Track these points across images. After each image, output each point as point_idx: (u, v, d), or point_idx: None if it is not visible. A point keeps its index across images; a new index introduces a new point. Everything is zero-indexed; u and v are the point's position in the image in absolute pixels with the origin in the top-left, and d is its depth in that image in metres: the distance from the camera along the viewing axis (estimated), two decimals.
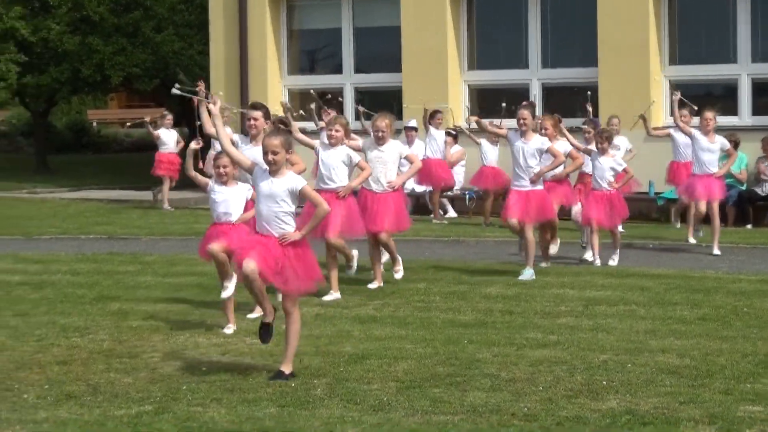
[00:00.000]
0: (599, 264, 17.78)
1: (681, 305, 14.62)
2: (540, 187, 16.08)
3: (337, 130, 14.76)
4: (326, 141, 15.00)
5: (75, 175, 35.72)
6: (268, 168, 10.61)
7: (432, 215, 24.00)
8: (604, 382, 10.84)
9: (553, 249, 17.70)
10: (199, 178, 13.16)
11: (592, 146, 18.07)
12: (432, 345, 12.50)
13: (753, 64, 24.29)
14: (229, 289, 12.85)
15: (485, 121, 17.90)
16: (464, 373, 11.22)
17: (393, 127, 15.71)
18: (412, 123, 23.90)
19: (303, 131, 15.76)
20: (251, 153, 12.76)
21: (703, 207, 18.82)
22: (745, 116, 23.56)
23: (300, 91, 27.52)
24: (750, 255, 18.19)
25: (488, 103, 25.55)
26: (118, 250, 20.03)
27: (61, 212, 26.53)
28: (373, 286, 15.79)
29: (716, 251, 18.65)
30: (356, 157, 14.90)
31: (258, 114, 13.48)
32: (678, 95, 19.10)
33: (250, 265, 10.33)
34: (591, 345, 12.43)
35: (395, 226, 15.69)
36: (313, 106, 19.14)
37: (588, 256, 18.13)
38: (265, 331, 11.13)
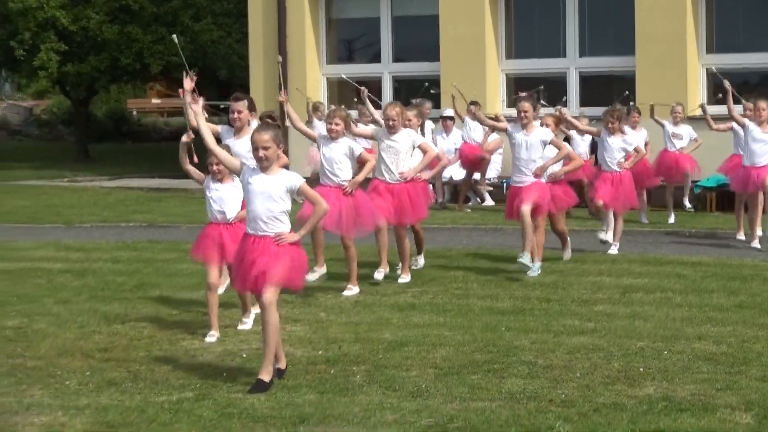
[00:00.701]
0: (615, 251, 17.52)
1: (717, 293, 14.59)
2: (543, 180, 15.59)
3: (336, 123, 14.37)
4: (328, 134, 14.56)
5: (115, 164, 35.84)
6: (258, 164, 10.20)
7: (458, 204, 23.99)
8: (641, 369, 10.84)
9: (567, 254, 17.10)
10: (195, 172, 12.68)
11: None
12: (470, 332, 12.51)
13: None
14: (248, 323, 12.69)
15: (481, 114, 17.38)
16: (502, 360, 11.24)
17: (404, 115, 15.25)
18: (448, 112, 23.87)
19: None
20: (239, 145, 12.73)
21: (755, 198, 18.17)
22: None
23: (336, 78, 27.56)
24: None
25: (524, 90, 25.46)
26: (158, 238, 20.08)
27: (102, 200, 26.63)
28: (403, 280, 15.49)
29: (755, 244, 17.99)
30: (358, 149, 14.54)
31: (241, 105, 13.10)
32: (729, 86, 18.54)
33: (268, 296, 10.05)
34: (628, 332, 12.42)
35: (414, 218, 15.39)
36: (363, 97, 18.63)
37: (607, 236, 17.73)
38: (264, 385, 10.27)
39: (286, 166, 12.93)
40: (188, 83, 12.05)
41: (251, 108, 13.04)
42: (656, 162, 20.21)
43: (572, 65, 25.82)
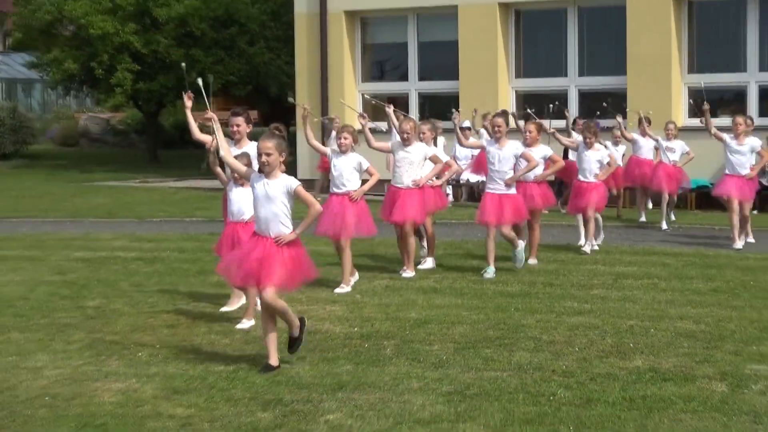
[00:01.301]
0: (588, 250, 16.78)
1: (696, 279, 14.57)
2: (513, 191, 14.80)
3: (345, 138, 14.10)
4: (338, 148, 14.23)
5: (180, 167, 35.84)
6: (261, 168, 9.93)
7: None
8: (631, 345, 10.84)
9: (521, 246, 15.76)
10: (221, 175, 12.38)
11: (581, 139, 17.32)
12: (484, 312, 12.51)
13: (760, 73, 24.12)
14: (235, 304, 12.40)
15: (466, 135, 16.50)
16: (511, 336, 11.24)
17: (418, 129, 15.03)
18: (466, 123, 23.79)
19: (373, 131, 15.60)
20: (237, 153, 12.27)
21: (735, 205, 17.42)
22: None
23: (372, 94, 27.53)
24: (756, 237, 18.02)
25: (532, 106, 25.41)
26: (218, 231, 20.02)
27: (169, 198, 26.66)
28: (424, 266, 15.42)
29: (738, 245, 17.24)
30: (365, 164, 14.19)
31: (240, 120, 12.69)
32: (707, 106, 18.18)
33: (269, 294, 9.76)
34: (619, 313, 12.41)
35: (420, 217, 15.01)
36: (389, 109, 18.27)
37: (581, 242, 17.13)
38: (294, 342, 10.21)
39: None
40: (188, 101, 11.84)
41: (248, 121, 12.79)
42: (654, 172, 19.86)
43: (572, 83, 25.78)
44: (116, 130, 46.95)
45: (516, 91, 26.26)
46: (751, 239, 17.81)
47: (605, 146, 18.24)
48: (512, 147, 14.70)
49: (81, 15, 34.52)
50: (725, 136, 17.60)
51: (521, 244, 15.04)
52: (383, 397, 9.10)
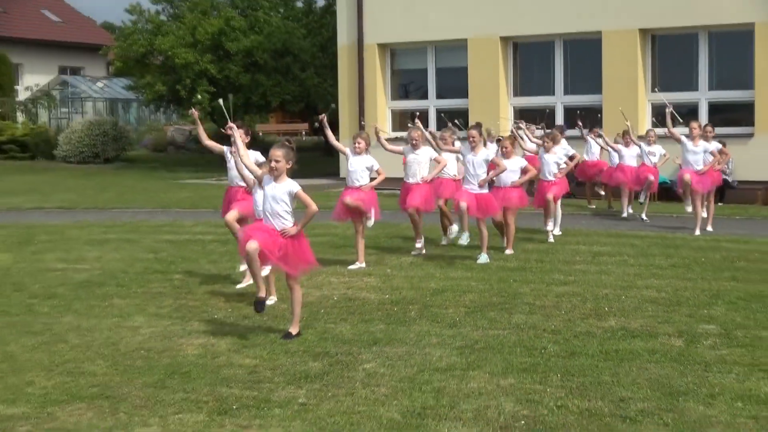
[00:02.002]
0: (552, 239, 16.27)
1: (658, 256, 14.52)
2: (486, 190, 14.10)
3: (359, 143, 13.93)
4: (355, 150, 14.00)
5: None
6: (270, 173, 9.59)
7: None
8: (606, 309, 10.82)
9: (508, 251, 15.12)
10: (250, 177, 11.09)
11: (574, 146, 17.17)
12: (488, 283, 12.50)
13: (709, 92, 24.02)
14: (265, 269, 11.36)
15: (443, 141, 15.14)
16: (510, 302, 11.23)
17: (424, 136, 14.86)
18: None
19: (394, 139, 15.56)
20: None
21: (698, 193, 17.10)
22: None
23: (399, 111, 27.62)
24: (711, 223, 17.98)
25: (527, 118, 25.39)
26: None
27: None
28: (418, 245, 15.01)
29: (697, 232, 16.84)
30: (376, 165, 13.99)
31: (242, 132, 11.57)
32: (670, 109, 17.94)
33: (252, 245, 9.30)
34: (597, 283, 12.38)
35: (425, 205, 14.82)
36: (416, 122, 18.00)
37: (549, 227, 16.41)
38: (259, 304, 9.83)
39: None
40: (235, 133, 11.40)
41: (247, 133, 12.52)
42: (636, 171, 19.56)
43: (559, 100, 25.70)
44: (197, 139, 47.01)
45: (513, 107, 26.22)
46: (709, 228, 17.41)
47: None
48: (484, 154, 14.12)
49: (168, 48, 34.67)
50: (682, 137, 17.29)
51: (466, 234, 14.11)
52: (409, 350, 9.12)
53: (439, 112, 26.83)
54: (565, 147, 18.30)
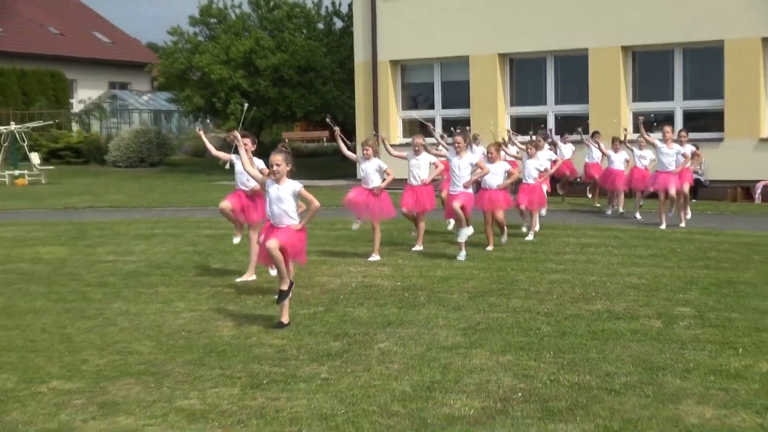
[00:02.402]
0: (531, 236, 15.91)
1: (639, 247, 14.49)
2: (470, 190, 13.76)
3: (366, 149, 13.79)
4: (366, 155, 13.81)
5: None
6: (272, 176, 9.40)
7: None
8: (593, 293, 10.80)
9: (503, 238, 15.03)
10: (258, 176, 10.64)
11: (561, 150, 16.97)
12: (489, 271, 12.49)
13: (683, 101, 23.98)
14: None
15: (344, 146, 14.38)
16: (508, 288, 11.22)
17: (425, 142, 14.69)
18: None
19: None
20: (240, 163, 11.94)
21: (666, 194, 16.87)
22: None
23: (408, 120, 27.61)
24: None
25: (521, 125, 25.42)
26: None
27: None
28: (416, 248, 14.63)
29: (682, 224, 16.80)
30: (384, 166, 13.84)
31: (248, 141, 11.73)
32: (642, 119, 17.89)
33: (273, 242, 9.17)
34: (585, 271, 12.36)
35: (418, 207, 14.46)
36: (430, 126, 17.73)
37: (524, 229, 16.18)
38: (282, 295, 9.41)
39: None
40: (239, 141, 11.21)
41: (253, 142, 12.13)
42: (629, 174, 19.07)
43: (551, 110, 25.68)
44: (230, 145, 47.08)
45: (510, 116, 26.20)
46: (683, 224, 17.02)
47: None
48: (468, 158, 13.75)
49: (205, 65, 34.71)
50: (656, 141, 17.13)
51: (470, 228, 13.72)
52: (418, 331, 9.12)
53: (444, 120, 26.88)
54: (547, 153, 18.31)
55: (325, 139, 46.32)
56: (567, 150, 21.98)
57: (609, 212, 19.51)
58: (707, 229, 16.71)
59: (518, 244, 15.03)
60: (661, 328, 9.06)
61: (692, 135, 22.38)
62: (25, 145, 33.15)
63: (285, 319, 9.38)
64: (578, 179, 22.75)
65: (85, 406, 6.90)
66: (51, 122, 37.98)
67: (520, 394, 7.02)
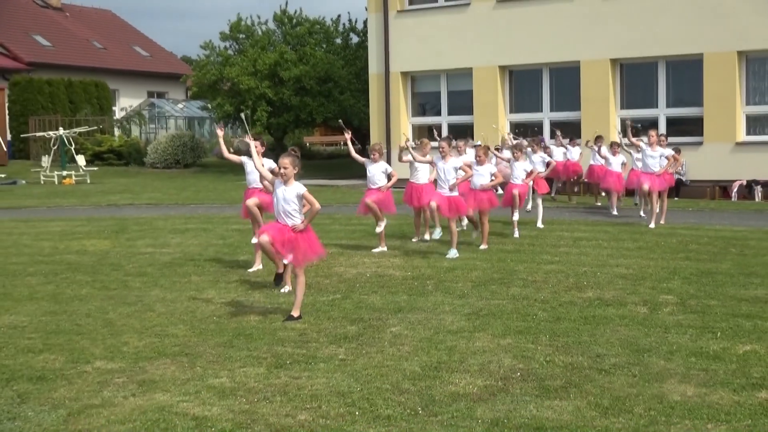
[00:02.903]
0: (538, 224, 16.19)
1: (627, 241, 14.45)
2: (456, 193, 13.13)
3: (374, 153, 13.75)
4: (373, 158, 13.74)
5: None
6: (279, 178, 9.20)
7: None
8: (585, 282, 10.77)
9: (474, 234, 14.54)
10: (269, 175, 10.16)
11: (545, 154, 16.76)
12: (490, 262, 12.47)
13: (667, 108, 23.89)
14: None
15: (415, 154, 13.96)
16: (508, 278, 11.19)
17: (429, 146, 14.28)
18: (479, 143, 23.63)
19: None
20: (251, 165, 12.15)
21: (646, 191, 16.18)
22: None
23: (418, 125, 27.58)
24: (668, 214, 17.85)
25: (520, 132, 25.38)
26: (322, 212, 20.03)
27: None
28: (415, 240, 14.60)
29: (651, 225, 15.94)
30: (390, 168, 13.81)
31: (257, 144, 11.69)
32: (629, 122, 17.71)
33: (264, 237, 9.00)
34: (577, 262, 12.33)
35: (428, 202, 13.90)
36: (436, 134, 17.59)
37: (515, 217, 15.53)
38: (278, 278, 9.89)
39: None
40: (251, 142, 10.86)
41: (262, 144, 12.25)
42: (629, 176, 18.24)
43: (546, 116, 25.59)
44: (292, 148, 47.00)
45: (510, 122, 26.12)
46: (662, 221, 16.45)
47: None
48: (453, 162, 13.21)
49: (234, 76, 34.71)
50: (641, 144, 16.46)
51: (454, 251, 13.07)
52: (427, 316, 9.10)
53: (450, 126, 26.85)
54: (542, 155, 18.05)
55: (342, 143, 46.29)
56: (575, 152, 21.87)
57: (615, 212, 18.71)
58: (688, 225, 16.64)
59: (517, 238, 14.98)
60: (646, 314, 9.02)
61: (674, 139, 22.45)
62: (72, 148, 33.23)
63: (296, 312, 9.11)
64: (581, 180, 22.64)
65: (126, 384, 6.90)
66: (95, 128, 38.08)
67: (519, 373, 6.99)
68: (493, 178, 13.99)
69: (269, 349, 7.86)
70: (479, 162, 14.06)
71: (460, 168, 13.23)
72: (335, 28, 38.63)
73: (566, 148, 21.74)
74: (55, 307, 9.88)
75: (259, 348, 7.89)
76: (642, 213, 18.29)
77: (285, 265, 10.24)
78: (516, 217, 15.39)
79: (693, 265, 12.01)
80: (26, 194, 26.15)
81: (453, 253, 13.04)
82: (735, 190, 22.29)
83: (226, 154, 12.72)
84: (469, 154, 16.48)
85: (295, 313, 9.04)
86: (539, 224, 16.39)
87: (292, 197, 9.08)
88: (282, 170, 9.14)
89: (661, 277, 11.07)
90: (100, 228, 17.29)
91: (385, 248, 13.72)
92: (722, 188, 22.61)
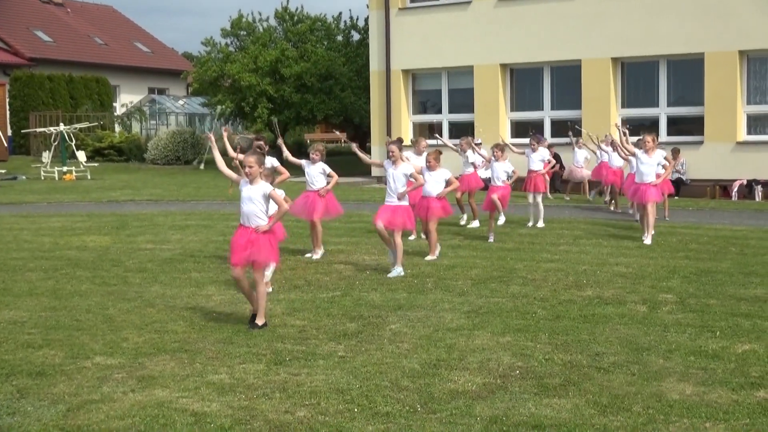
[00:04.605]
0: (539, 224, 16.08)
1: (627, 239, 14.45)
2: (405, 203, 11.74)
3: (314, 153, 13.21)
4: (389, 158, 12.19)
5: (297, 170, 35.95)
6: (245, 177, 8.69)
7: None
8: (585, 281, 10.77)
9: (437, 250, 12.96)
10: (233, 176, 9.39)
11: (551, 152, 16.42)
12: (490, 260, 12.47)
13: (667, 107, 23.90)
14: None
15: (362, 154, 13.28)
16: (508, 276, 11.20)
17: (424, 143, 14.21)
18: (479, 140, 23.64)
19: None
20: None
21: (645, 208, 14.30)
22: (663, 137, 23.01)
23: (419, 123, 27.57)
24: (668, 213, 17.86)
25: (520, 129, 25.42)
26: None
27: (291, 188, 26.62)
28: (412, 238, 14.21)
29: (647, 241, 14.05)
30: (328, 170, 13.23)
31: (261, 143, 11.85)
32: (619, 126, 17.39)
33: (235, 272, 8.56)
34: (577, 260, 12.34)
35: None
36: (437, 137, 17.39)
37: (501, 221, 15.79)
38: (253, 321, 8.66)
39: (287, 179, 12.70)
40: (225, 137, 10.50)
41: (265, 142, 12.11)
42: (626, 183, 17.02)
43: (547, 115, 25.59)
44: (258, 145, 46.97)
45: (511, 120, 26.11)
46: (647, 241, 14.22)
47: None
48: (403, 168, 11.75)
49: (235, 73, 34.70)
50: (636, 150, 14.65)
51: (399, 268, 11.57)
52: (426, 314, 9.11)
53: (451, 124, 26.85)
54: (542, 153, 17.44)
55: (342, 141, 46.28)
56: (581, 154, 21.84)
57: (631, 211, 18.00)
58: (688, 224, 16.65)
59: (516, 235, 15.00)
60: (646, 313, 9.02)
61: (675, 138, 22.51)
62: (72, 144, 33.20)
63: (260, 320, 8.63)
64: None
65: (125, 379, 6.91)
66: (96, 123, 38.05)
67: (518, 371, 7.00)
68: (446, 184, 12.72)
69: (269, 345, 7.87)
70: (430, 167, 12.72)
71: (410, 175, 11.82)
72: (336, 26, 38.63)
73: (602, 149, 19.83)
74: (55, 302, 9.89)
75: (259, 344, 7.90)
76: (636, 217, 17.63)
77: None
78: (501, 221, 15.29)
79: (693, 264, 12.02)
80: (27, 190, 26.15)
81: (397, 270, 11.49)
82: (735, 189, 22.30)
83: (216, 156, 12.04)
84: (470, 156, 16.53)
85: (260, 321, 8.58)
86: (540, 224, 16.35)
87: (257, 196, 8.62)
88: (247, 169, 8.67)
89: (660, 276, 11.08)
90: (101, 224, 17.30)
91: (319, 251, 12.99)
92: (722, 188, 22.62)
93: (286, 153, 13.51)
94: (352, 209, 18.27)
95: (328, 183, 13.31)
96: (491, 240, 14.49)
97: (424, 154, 14.28)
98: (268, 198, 8.66)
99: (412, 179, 11.86)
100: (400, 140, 12.97)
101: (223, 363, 7.32)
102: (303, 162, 13.39)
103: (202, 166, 12.26)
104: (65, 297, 10.20)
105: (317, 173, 13.36)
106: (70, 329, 8.57)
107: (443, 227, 15.65)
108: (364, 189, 25.51)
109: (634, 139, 16.52)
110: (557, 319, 8.80)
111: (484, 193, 16.16)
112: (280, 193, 9.05)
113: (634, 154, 14.87)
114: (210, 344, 7.94)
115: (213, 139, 9.73)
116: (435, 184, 12.65)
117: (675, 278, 10.95)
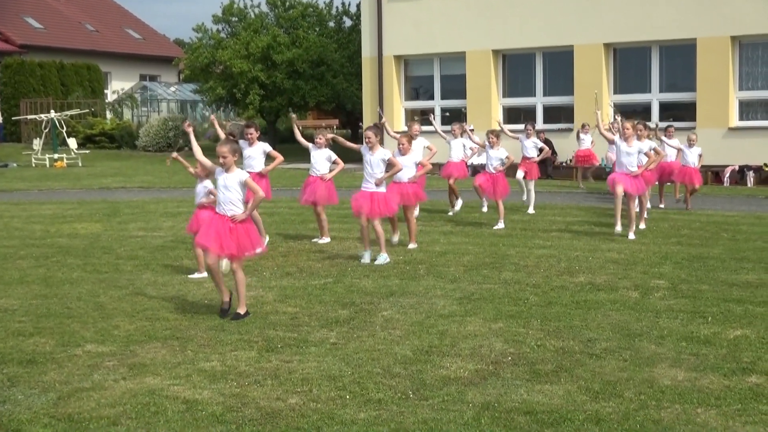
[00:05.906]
0: (529, 210, 16.10)
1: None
2: (383, 189, 11.57)
3: (319, 138, 13.06)
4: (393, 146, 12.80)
5: (290, 156, 35.87)
6: (221, 166, 8.60)
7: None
8: (577, 267, 10.77)
9: (395, 239, 12.87)
10: (209, 165, 9.32)
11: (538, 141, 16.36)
12: (482, 246, 12.46)
13: (660, 93, 23.90)
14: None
15: (341, 140, 12.86)
16: (500, 262, 11.19)
17: (416, 127, 14.30)
18: (471, 127, 23.54)
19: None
20: (248, 151, 12.48)
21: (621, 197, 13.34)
22: (655, 123, 23.01)
23: (411, 109, 27.52)
24: (655, 200, 17.84)
25: (513, 116, 25.40)
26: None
27: (283, 175, 26.63)
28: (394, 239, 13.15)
29: (631, 236, 13.14)
30: (334, 156, 13.06)
31: (252, 129, 12.29)
32: (613, 113, 17.47)
33: (209, 259, 8.50)
34: (569, 247, 12.34)
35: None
36: (431, 117, 17.41)
37: (484, 209, 16.01)
38: (223, 312, 8.58)
39: (281, 162, 12.92)
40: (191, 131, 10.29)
41: (256, 129, 12.41)
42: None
43: (539, 101, 25.56)
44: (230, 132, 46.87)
45: (503, 106, 26.08)
46: (642, 226, 14.12)
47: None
48: (380, 153, 11.51)
49: (227, 59, 34.57)
50: (616, 138, 13.66)
51: (384, 254, 11.46)
52: (418, 300, 9.10)
53: (443, 109, 26.81)
54: (534, 141, 17.30)
55: (335, 126, 46.23)
56: (587, 141, 21.84)
57: (662, 205, 17.27)
58: (680, 209, 16.65)
59: (509, 222, 14.97)
60: (638, 299, 9.03)
61: (667, 124, 22.40)
62: (63, 131, 33.10)
63: (242, 309, 8.56)
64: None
65: (116, 367, 6.88)
66: (87, 110, 37.89)
67: (510, 357, 7.00)
68: (417, 167, 12.63)
69: (260, 332, 7.85)
70: (402, 151, 12.57)
71: (388, 161, 11.62)
72: (328, 12, 38.48)
73: (661, 140, 17.65)
74: (45, 290, 9.86)
75: (251, 332, 7.88)
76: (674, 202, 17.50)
77: (230, 295, 8.94)
78: (485, 209, 15.44)
79: (684, 250, 12.03)
80: (17, 177, 26.06)
81: (383, 257, 11.39)
82: (727, 175, 22.33)
83: (195, 147, 11.91)
84: (466, 142, 16.53)
85: (241, 311, 8.51)
86: (531, 210, 16.36)
87: (233, 184, 8.54)
88: (221, 159, 8.60)
89: (652, 262, 11.09)
90: (92, 211, 17.24)
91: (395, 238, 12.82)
92: (714, 173, 22.65)
93: (297, 134, 13.60)
94: (344, 196, 18.26)
95: (332, 170, 13.29)
96: (501, 226, 14.34)
97: (419, 138, 14.36)
98: (244, 185, 8.59)
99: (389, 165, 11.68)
100: (376, 126, 12.57)
101: (214, 350, 7.31)
102: (310, 145, 13.39)
103: (174, 154, 12.14)
104: (56, 285, 10.17)
105: (323, 159, 13.25)
106: (61, 317, 8.55)
107: (437, 214, 15.65)
108: (356, 175, 25.46)
109: (663, 125, 15.43)
110: (549, 305, 8.80)
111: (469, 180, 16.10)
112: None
113: (613, 141, 13.94)
114: (201, 331, 7.92)
115: (191, 129, 9.80)
116: (407, 168, 12.44)
117: (667, 264, 10.96)
